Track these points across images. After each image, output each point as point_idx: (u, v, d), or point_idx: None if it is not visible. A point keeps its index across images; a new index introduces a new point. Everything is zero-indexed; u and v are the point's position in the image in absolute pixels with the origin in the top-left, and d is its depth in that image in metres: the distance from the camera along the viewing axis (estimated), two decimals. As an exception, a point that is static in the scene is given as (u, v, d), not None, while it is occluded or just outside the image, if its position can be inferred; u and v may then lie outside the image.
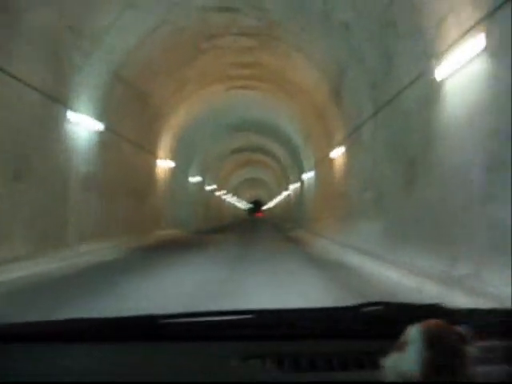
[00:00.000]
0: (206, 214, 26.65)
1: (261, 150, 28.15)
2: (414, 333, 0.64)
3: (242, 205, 70.72)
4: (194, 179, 21.76)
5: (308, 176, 18.57)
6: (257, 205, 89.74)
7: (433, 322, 0.66)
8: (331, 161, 12.57)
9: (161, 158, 14.69)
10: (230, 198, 44.09)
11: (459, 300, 3.84)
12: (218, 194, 32.61)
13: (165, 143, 15.09)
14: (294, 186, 25.58)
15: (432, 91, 5.45)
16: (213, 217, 29.43)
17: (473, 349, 0.64)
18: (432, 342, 0.62)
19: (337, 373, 0.77)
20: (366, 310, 0.99)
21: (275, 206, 44.98)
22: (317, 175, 16.57)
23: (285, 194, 32.35)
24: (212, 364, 0.82)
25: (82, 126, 8.60)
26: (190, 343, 0.93)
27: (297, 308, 1.08)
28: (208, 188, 27.04)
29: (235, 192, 48.61)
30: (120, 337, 0.95)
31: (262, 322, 1.00)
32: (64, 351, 0.89)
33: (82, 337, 0.94)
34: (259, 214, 76.18)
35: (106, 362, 0.85)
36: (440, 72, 5.07)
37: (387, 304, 1.01)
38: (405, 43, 6.10)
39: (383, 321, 0.95)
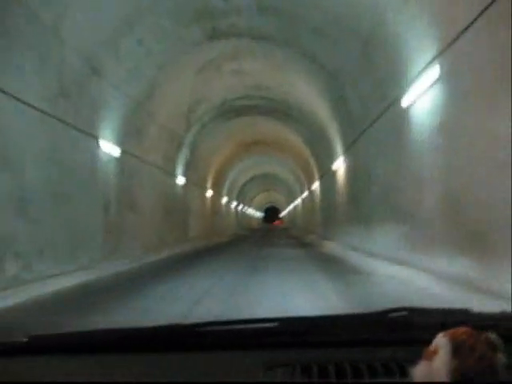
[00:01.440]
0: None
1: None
2: (442, 341, 0.64)
3: (255, 212, 62.88)
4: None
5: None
6: (272, 211, 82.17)
7: (461, 329, 0.65)
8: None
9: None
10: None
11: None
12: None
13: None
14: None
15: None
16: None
17: (503, 356, 0.62)
18: (461, 350, 0.61)
19: (365, 381, 0.76)
20: (391, 316, 0.97)
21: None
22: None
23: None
24: (239, 373, 0.82)
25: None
26: (214, 352, 0.93)
27: (321, 315, 1.07)
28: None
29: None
30: (146, 347, 0.95)
31: (286, 329, 0.98)
32: (93, 362, 0.90)
33: (110, 347, 0.95)
34: (278, 223, 68.58)
35: (130, 372, 0.85)
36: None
37: (412, 309, 0.99)
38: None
39: (409, 327, 0.93)
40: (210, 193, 22.87)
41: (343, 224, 12.84)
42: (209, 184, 22.76)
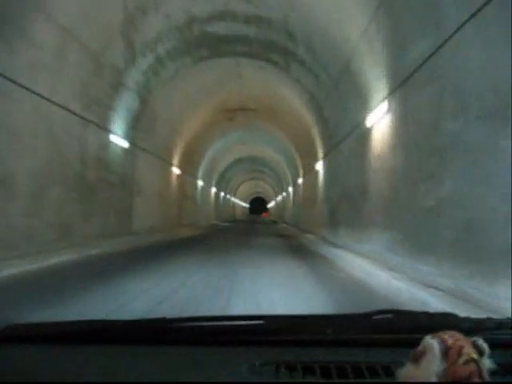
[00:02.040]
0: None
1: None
2: (431, 343, 0.64)
3: (241, 201, 57.31)
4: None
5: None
6: (259, 203, 76.70)
7: (450, 333, 0.66)
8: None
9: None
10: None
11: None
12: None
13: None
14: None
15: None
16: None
17: (489, 361, 0.64)
18: (449, 353, 0.62)
19: (351, 381, 0.76)
20: (377, 317, 0.98)
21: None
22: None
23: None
24: (223, 369, 0.81)
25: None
26: (199, 348, 0.92)
27: (307, 314, 1.07)
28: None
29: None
30: (130, 339, 0.94)
31: (272, 327, 0.97)
32: (73, 352, 0.88)
33: (92, 338, 0.93)
34: (265, 215, 64.59)
35: (115, 364, 0.84)
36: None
37: (399, 312, 1.00)
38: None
39: (395, 329, 0.93)
40: (176, 171, 17.30)
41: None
42: (175, 159, 17.16)
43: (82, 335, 0.94)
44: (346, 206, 10.14)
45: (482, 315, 1.07)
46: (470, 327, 0.86)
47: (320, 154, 14.01)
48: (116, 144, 10.38)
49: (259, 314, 1.04)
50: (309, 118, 14.03)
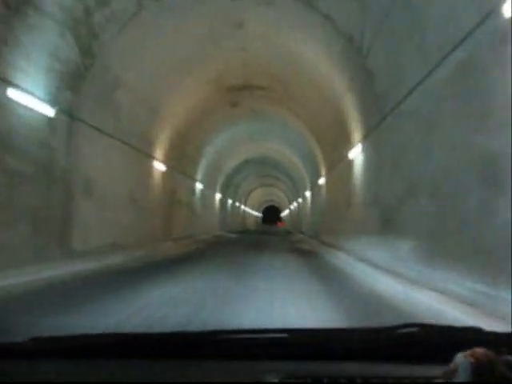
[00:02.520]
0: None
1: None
2: (463, 361, 0.63)
3: (253, 210, 53.27)
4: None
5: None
6: (272, 212, 72.20)
7: (481, 350, 0.65)
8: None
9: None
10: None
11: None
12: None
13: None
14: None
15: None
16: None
17: None
18: (481, 371, 0.61)
19: None
20: (402, 331, 0.95)
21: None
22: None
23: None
24: (246, 383, 0.81)
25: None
26: (222, 362, 0.90)
27: (331, 328, 1.08)
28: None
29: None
30: (149, 353, 0.92)
31: (297, 340, 0.97)
32: (92, 366, 0.88)
33: (113, 352, 0.93)
34: (280, 225, 60.34)
35: (133, 379, 0.84)
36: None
37: (424, 326, 0.97)
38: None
39: (421, 343, 0.91)
40: (160, 167, 13.15)
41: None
42: (159, 151, 13.02)
43: (102, 349, 0.93)
44: (416, 208, 5.80)
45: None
46: (496, 341, 0.85)
47: (356, 135, 9.68)
48: (26, 108, 6.22)
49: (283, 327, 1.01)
50: (339, 83, 9.75)
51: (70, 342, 0.97)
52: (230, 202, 31.32)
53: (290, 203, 39.19)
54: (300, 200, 28.06)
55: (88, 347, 0.94)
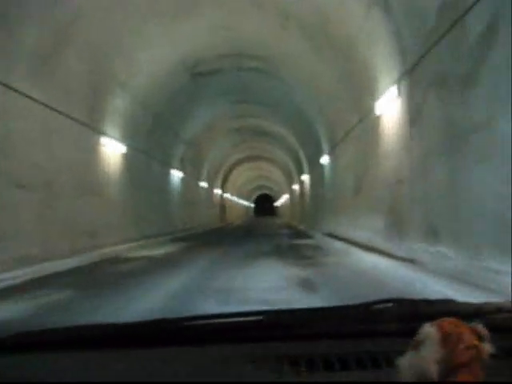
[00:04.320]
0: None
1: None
2: (430, 331, 0.64)
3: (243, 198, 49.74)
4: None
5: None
6: (267, 201, 69.14)
7: (448, 319, 0.66)
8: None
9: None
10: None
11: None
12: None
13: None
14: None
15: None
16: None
17: (489, 346, 0.63)
18: (448, 340, 0.62)
19: (353, 373, 0.75)
20: (377, 307, 0.97)
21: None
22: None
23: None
24: (226, 368, 0.79)
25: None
26: (201, 346, 0.89)
27: (308, 308, 1.06)
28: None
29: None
30: (129, 342, 0.92)
31: (273, 322, 0.96)
32: (82, 358, 0.87)
33: (92, 343, 0.92)
34: None
35: (116, 368, 0.83)
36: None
37: (398, 301, 0.99)
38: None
39: (395, 318, 0.91)
40: (112, 144, 9.97)
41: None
42: (105, 121, 9.86)
43: (83, 340, 0.93)
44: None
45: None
46: (469, 312, 0.87)
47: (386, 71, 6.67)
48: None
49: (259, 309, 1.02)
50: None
51: (52, 335, 0.96)
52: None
53: (292, 185, 28.87)
54: (306, 177, 19.79)
55: (70, 340, 0.93)
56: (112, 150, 10.01)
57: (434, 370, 0.60)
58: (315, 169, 16.15)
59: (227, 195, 34.79)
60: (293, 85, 12.47)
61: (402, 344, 0.66)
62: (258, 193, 66.90)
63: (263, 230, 20.72)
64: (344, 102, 9.56)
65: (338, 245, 9.54)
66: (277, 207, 58.74)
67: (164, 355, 0.86)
